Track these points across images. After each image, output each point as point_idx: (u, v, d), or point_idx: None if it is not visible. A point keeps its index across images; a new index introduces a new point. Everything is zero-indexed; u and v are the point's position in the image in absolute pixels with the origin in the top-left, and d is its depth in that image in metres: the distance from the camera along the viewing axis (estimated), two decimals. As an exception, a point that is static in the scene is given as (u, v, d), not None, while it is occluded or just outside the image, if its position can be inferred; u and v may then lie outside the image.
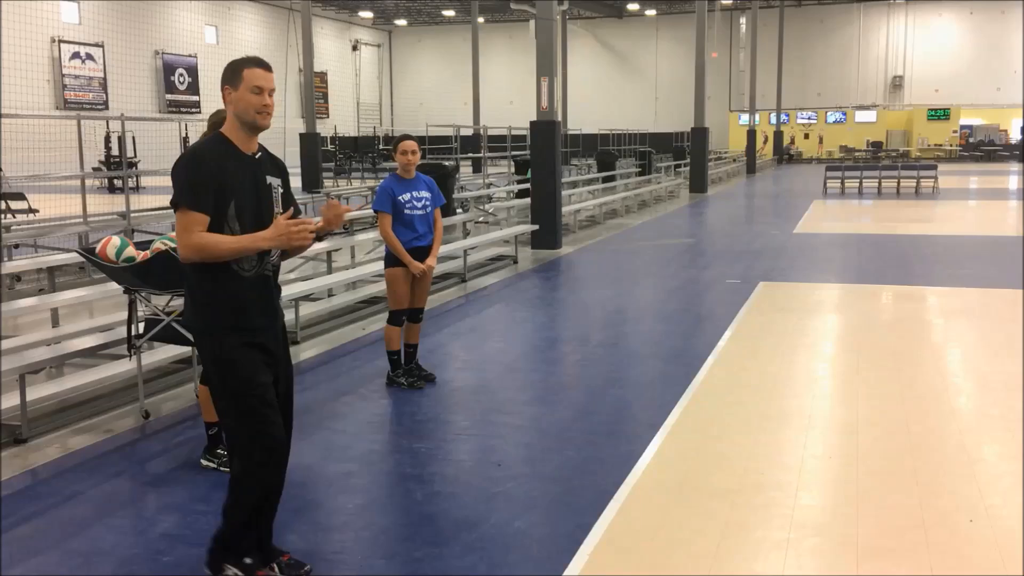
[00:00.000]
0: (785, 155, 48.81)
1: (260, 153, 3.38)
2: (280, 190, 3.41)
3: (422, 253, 6.06)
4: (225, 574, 3.39)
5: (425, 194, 6.05)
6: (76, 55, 35.29)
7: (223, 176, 3.22)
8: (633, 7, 50.82)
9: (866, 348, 7.23)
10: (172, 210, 3.27)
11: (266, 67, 3.30)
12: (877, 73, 50.69)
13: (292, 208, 3.47)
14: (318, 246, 10.49)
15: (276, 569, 3.48)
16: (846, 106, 50.60)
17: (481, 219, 16.30)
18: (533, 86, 13.62)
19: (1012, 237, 14.51)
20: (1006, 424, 5.28)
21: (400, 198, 5.94)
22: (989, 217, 18.69)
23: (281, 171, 3.47)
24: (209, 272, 3.28)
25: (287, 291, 7.65)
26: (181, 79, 40.85)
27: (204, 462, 4.70)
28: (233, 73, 3.26)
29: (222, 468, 4.58)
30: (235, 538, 3.40)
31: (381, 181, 6.25)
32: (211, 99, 41.68)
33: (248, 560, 3.39)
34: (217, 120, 4.48)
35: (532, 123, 13.90)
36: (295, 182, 17.52)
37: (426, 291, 6.27)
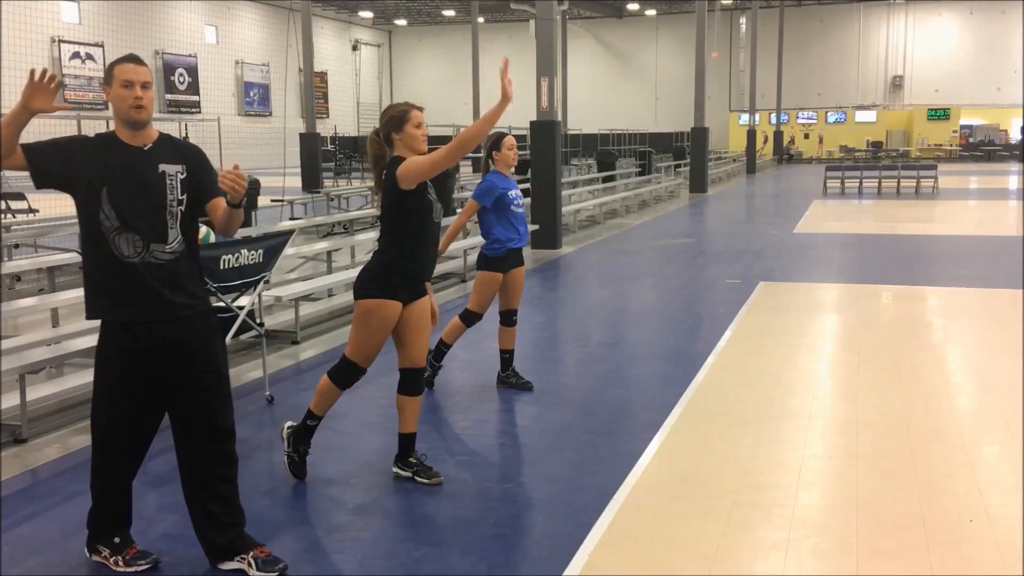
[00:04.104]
0: (785, 155, 48.80)
1: (151, 145, 3.40)
2: (181, 175, 3.41)
3: (517, 253, 5.96)
4: (100, 553, 3.62)
5: (519, 192, 5.96)
6: (76, 55, 35.28)
7: (89, 164, 3.31)
8: (633, 7, 50.80)
9: (866, 348, 7.23)
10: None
11: (136, 61, 3.38)
12: (877, 73, 50.68)
13: (210, 192, 3.47)
14: (319, 245, 10.48)
15: (252, 565, 3.54)
16: (846, 106, 50.60)
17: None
18: (533, 86, 13.63)
19: (1012, 237, 14.51)
20: (1006, 424, 5.28)
21: (509, 194, 5.80)
22: (989, 217, 18.68)
23: (185, 157, 3.46)
24: (91, 258, 3.37)
25: (288, 291, 7.65)
26: (181, 79, 40.84)
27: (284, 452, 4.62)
28: (107, 73, 3.38)
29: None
30: (94, 519, 3.62)
31: (482, 179, 5.99)
32: (211, 99, 41.72)
33: (117, 539, 3.60)
34: (392, 115, 4.25)
35: (532, 123, 13.90)
36: (295, 182, 17.45)
37: (520, 292, 6.10)
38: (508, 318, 6.11)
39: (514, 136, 6.08)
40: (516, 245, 5.91)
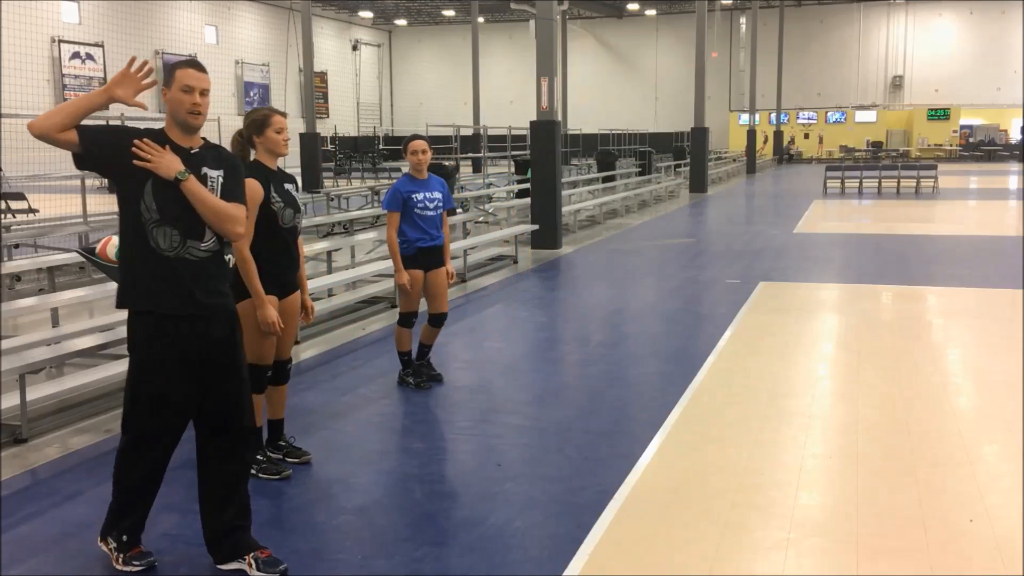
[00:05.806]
0: (785, 155, 48.80)
1: (197, 149, 3.47)
2: (220, 180, 3.48)
3: (429, 254, 6.01)
4: (108, 545, 3.63)
5: (437, 195, 6.01)
6: (76, 55, 35.28)
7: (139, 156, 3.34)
8: (633, 7, 50.79)
9: (866, 348, 7.23)
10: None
11: (198, 67, 3.46)
12: (877, 73, 50.68)
13: (234, 200, 3.51)
14: (318, 245, 10.47)
15: (253, 565, 3.56)
16: (846, 106, 50.60)
17: (481, 219, 16.30)
18: (533, 86, 13.61)
19: (1012, 237, 14.51)
20: (1006, 424, 5.28)
21: (413, 197, 5.90)
22: (989, 217, 18.68)
23: (224, 163, 3.54)
24: (131, 246, 3.40)
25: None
26: (181, 79, 40.81)
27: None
28: (168, 74, 3.41)
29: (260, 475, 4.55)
30: (113, 513, 3.62)
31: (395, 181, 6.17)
32: (211, 99, 41.41)
33: (124, 538, 3.59)
34: (255, 118, 4.42)
35: (532, 123, 13.90)
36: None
37: (443, 294, 6.17)
38: (436, 320, 6.18)
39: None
40: (425, 244, 5.96)
